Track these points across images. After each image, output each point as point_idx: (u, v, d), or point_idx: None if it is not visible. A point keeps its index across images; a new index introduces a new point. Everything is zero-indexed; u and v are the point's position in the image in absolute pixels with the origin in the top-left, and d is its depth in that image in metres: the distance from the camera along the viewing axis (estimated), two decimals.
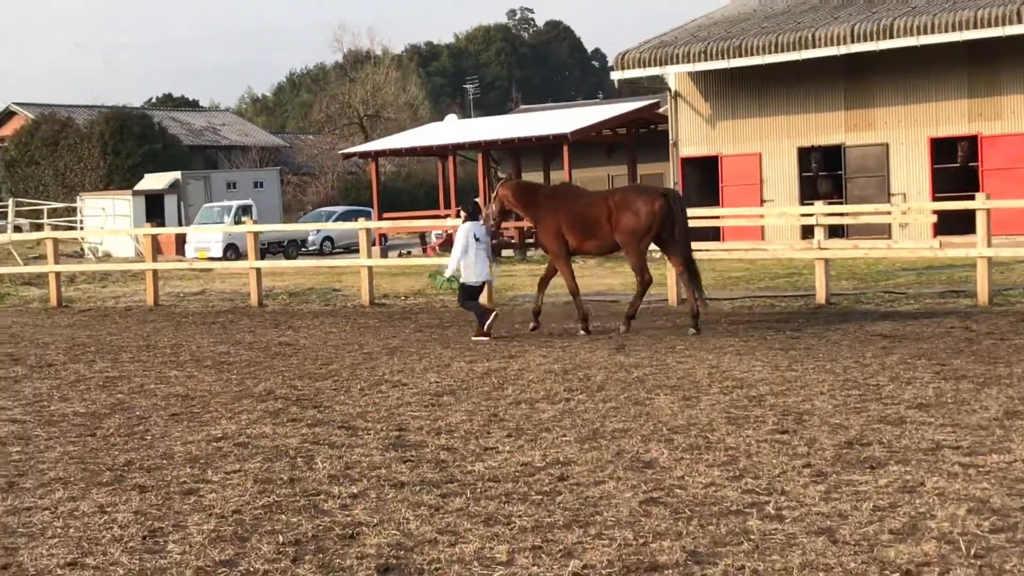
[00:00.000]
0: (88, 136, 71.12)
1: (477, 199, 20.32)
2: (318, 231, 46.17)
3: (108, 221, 48.59)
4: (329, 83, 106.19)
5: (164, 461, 9.37)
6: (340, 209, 52.84)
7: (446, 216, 37.26)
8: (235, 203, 49.58)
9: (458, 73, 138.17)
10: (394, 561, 6.31)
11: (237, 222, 42.21)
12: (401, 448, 9.45)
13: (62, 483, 8.71)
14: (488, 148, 42.24)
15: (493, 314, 17.61)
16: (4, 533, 7.35)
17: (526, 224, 35.88)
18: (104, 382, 14.12)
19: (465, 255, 17.68)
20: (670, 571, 5.90)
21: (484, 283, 18.33)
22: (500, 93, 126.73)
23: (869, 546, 6.09)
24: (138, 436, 10.58)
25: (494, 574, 6.02)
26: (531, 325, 18.05)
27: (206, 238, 43.74)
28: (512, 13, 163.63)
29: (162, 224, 45.43)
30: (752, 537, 6.44)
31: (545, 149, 41.48)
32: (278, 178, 64.41)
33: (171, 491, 8.29)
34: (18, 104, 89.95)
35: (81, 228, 47.94)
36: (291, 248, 47.73)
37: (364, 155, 51.02)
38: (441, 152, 45.96)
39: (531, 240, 39.15)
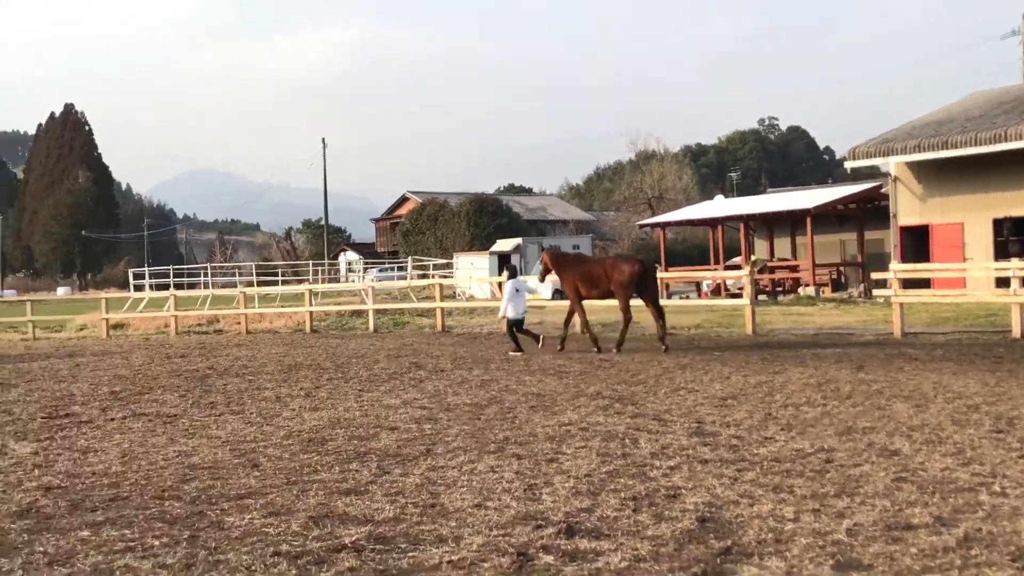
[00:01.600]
0: (458, 214, 74.72)
1: (515, 264, 22.50)
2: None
3: (473, 272, 50.51)
4: (624, 174, 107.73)
5: (530, 438, 10.02)
6: None
7: (715, 269, 37.38)
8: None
9: (720, 166, 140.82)
10: (708, 515, 6.78)
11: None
12: (701, 436, 9.89)
13: (462, 451, 9.49)
14: (748, 220, 41.96)
15: (541, 338, 20.21)
16: (428, 483, 7.95)
17: (787, 276, 35.63)
18: (480, 383, 14.99)
19: (511, 302, 20.16)
20: (922, 530, 6.27)
21: (522, 318, 20.37)
22: (752, 181, 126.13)
23: None
24: (509, 420, 11.33)
25: (785, 527, 6.44)
26: (558, 347, 20.17)
27: (540, 285, 44.61)
28: (762, 121, 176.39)
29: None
30: (984, 508, 6.75)
31: (792, 220, 40.99)
32: (590, 242, 65.64)
33: (538, 459, 8.90)
34: (411, 192, 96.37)
35: (454, 277, 49.97)
36: None
37: (654, 225, 51.50)
38: (711, 223, 46.12)
39: (780, 288, 38.81)
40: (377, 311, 31.31)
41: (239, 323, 33.29)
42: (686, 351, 19.27)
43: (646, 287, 19.97)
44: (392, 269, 67.71)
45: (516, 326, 20.21)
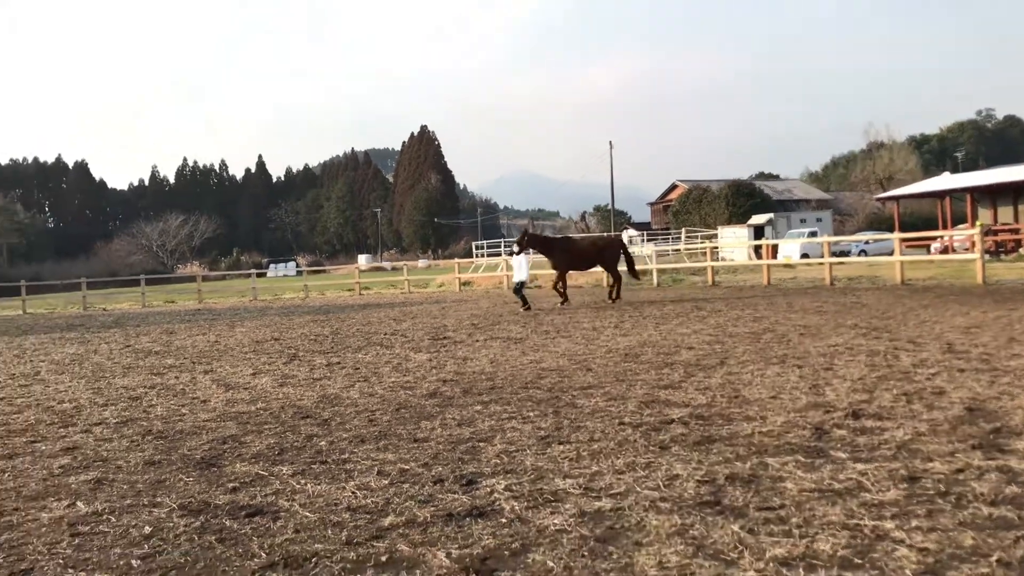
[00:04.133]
0: (718, 196, 72.51)
1: (519, 241, 21.21)
2: (857, 244, 43.76)
3: (734, 240, 49.08)
4: (857, 161, 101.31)
5: (805, 354, 9.82)
6: (869, 233, 49.74)
7: (942, 235, 34.23)
8: (806, 229, 48.23)
9: (942, 152, 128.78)
10: (974, 406, 6.49)
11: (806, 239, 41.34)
12: (953, 353, 9.35)
13: (750, 362, 9.49)
14: (973, 191, 38.19)
15: (526, 306, 19.35)
16: (728, 383, 8.07)
17: (1009, 239, 32.35)
18: (753, 319, 14.51)
19: (519, 269, 20.54)
20: None
21: (525, 280, 20.46)
22: (971, 165, 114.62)
23: None
24: (785, 343, 11.02)
25: None
26: (560, 303, 20.26)
27: (789, 249, 42.89)
28: (979, 112, 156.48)
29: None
30: None
31: (1013, 190, 36.91)
32: (830, 217, 62.10)
33: (816, 368, 8.77)
34: (679, 180, 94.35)
35: (719, 243, 48.72)
36: (841, 253, 45.75)
37: (888, 198, 47.82)
38: (940, 195, 42.18)
39: (1002, 249, 34.91)
40: (659, 270, 31.12)
41: (551, 280, 34.21)
42: (924, 294, 17.95)
43: (622, 260, 21.50)
44: (667, 240, 67.05)
45: (520, 286, 20.22)
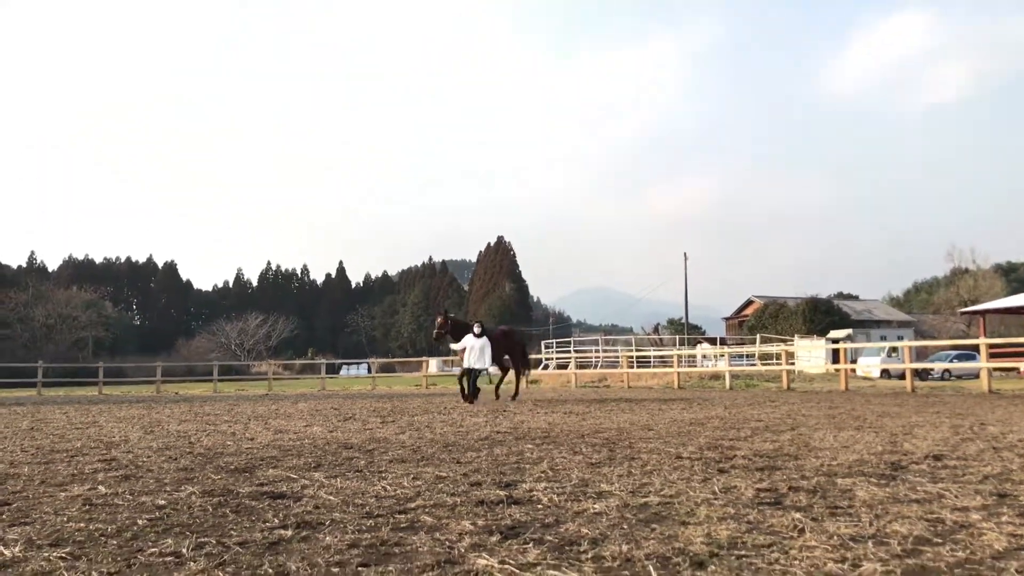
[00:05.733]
0: (795, 312, 70.97)
1: (476, 326, 17.31)
2: (946, 354, 42.17)
3: (809, 354, 47.74)
4: (939, 286, 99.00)
5: (881, 426, 8.97)
6: (954, 353, 47.87)
7: None
8: (887, 344, 46.68)
9: None
10: None
11: (887, 357, 39.78)
12: None
13: (823, 428, 8.55)
14: None
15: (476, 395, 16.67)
16: (799, 439, 7.24)
17: None
18: (829, 407, 13.51)
19: (475, 353, 16.76)
20: None
21: (480, 370, 16.86)
22: None
23: None
24: (861, 419, 10.22)
25: None
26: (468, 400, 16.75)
27: (870, 363, 41.44)
28: None
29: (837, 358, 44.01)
30: None
31: None
32: (912, 336, 60.10)
33: (893, 432, 7.90)
34: (755, 296, 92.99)
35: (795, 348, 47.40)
36: (923, 373, 43.86)
37: (975, 312, 46.13)
38: None
39: None
40: (732, 374, 30.28)
41: (622, 381, 33.60)
42: (1014, 399, 16.85)
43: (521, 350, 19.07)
44: (741, 358, 65.74)
45: (472, 375, 16.78)
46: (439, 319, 18.10)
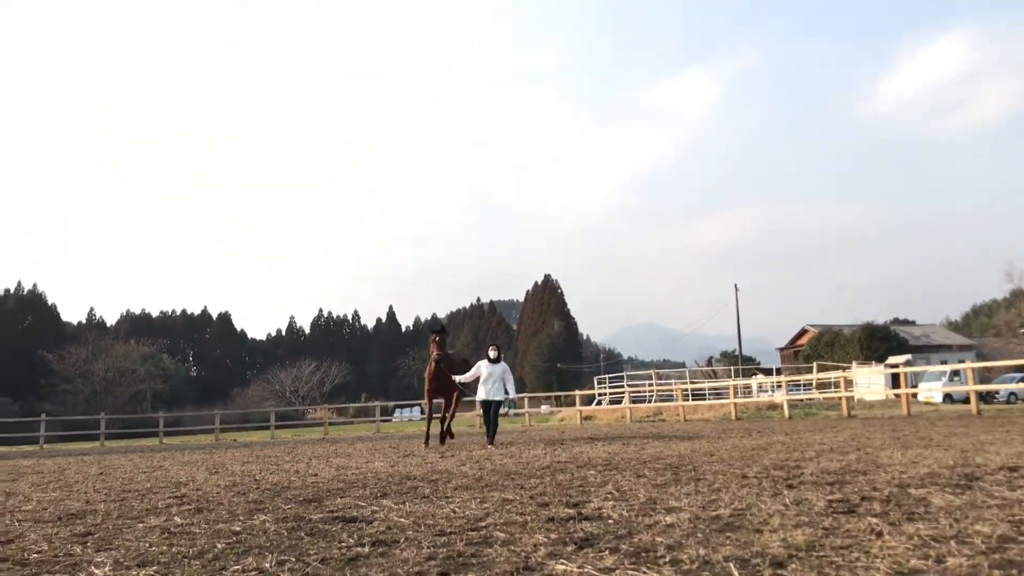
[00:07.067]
0: (851, 340, 69.69)
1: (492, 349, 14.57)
2: (1013, 376, 40.99)
3: (868, 380, 46.80)
4: (999, 309, 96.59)
5: (950, 445, 8.79)
6: (1020, 374, 46.44)
7: None
8: (949, 368, 45.47)
9: None
10: None
11: (949, 381, 38.79)
12: None
13: (890, 448, 8.33)
14: None
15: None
16: (866, 458, 7.11)
17: None
18: (893, 430, 13.10)
19: (493, 382, 14.30)
20: None
21: (495, 401, 14.33)
22: None
23: None
24: (927, 439, 9.95)
25: None
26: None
27: (931, 388, 40.48)
28: None
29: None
30: None
31: None
32: (973, 359, 58.64)
33: (963, 449, 7.71)
34: (810, 325, 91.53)
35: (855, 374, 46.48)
36: (989, 396, 42.61)
37: None
38: None
39: None
40: (790, 403, 29.79)
41: (678, 414, 33.26)
42: None
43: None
44: (798, 387, 64.70)
45: (492, 409, 14.37)
46: (433, 349, 14.71)
